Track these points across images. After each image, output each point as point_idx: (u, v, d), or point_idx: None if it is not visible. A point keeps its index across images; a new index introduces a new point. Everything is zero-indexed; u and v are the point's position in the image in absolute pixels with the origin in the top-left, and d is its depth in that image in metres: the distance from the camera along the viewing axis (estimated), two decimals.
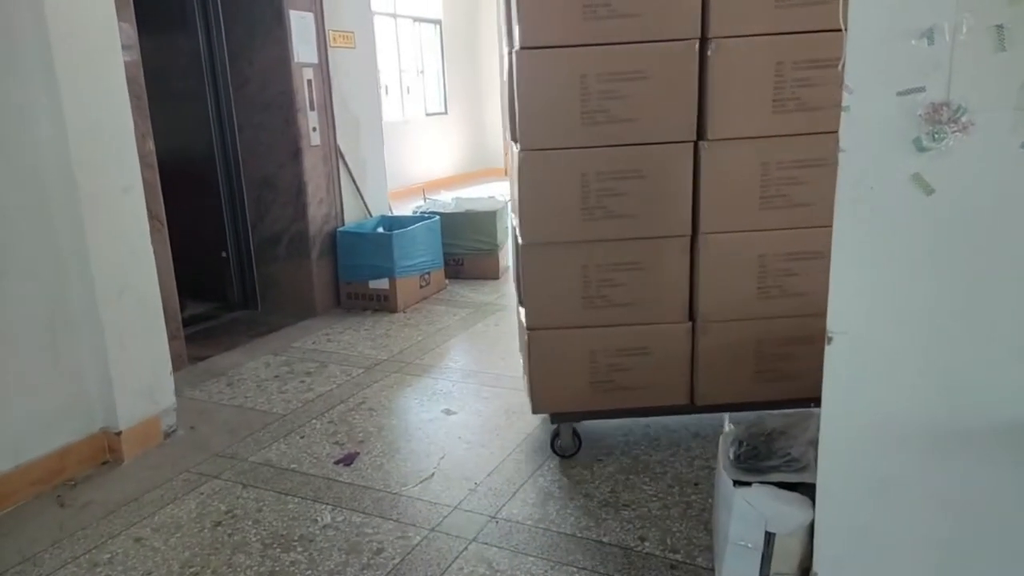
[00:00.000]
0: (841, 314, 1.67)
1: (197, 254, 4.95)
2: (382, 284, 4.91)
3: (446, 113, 11.15)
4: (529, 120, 2.60)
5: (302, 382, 3.83)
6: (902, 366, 1.66)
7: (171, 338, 4.00)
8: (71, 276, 2.88)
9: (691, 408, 2.85)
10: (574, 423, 2.93)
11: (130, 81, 3.71)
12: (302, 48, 4.69)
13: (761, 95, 2.53)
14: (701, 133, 2.59)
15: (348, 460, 2.99)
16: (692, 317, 2.75)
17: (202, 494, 2.79)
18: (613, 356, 2.78)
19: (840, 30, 2.31)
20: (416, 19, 10.46)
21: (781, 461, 2.00)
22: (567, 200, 2.63)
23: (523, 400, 3.39)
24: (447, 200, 5.87)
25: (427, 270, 5.18)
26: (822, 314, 2.48)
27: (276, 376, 3.93)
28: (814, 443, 1.97)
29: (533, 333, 2.76)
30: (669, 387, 2.81)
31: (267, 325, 4.78)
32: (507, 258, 5.99)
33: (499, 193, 8.94)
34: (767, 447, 2.05)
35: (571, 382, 2.79)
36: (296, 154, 4.80)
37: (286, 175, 4.86)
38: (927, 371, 1.66)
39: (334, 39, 4.99)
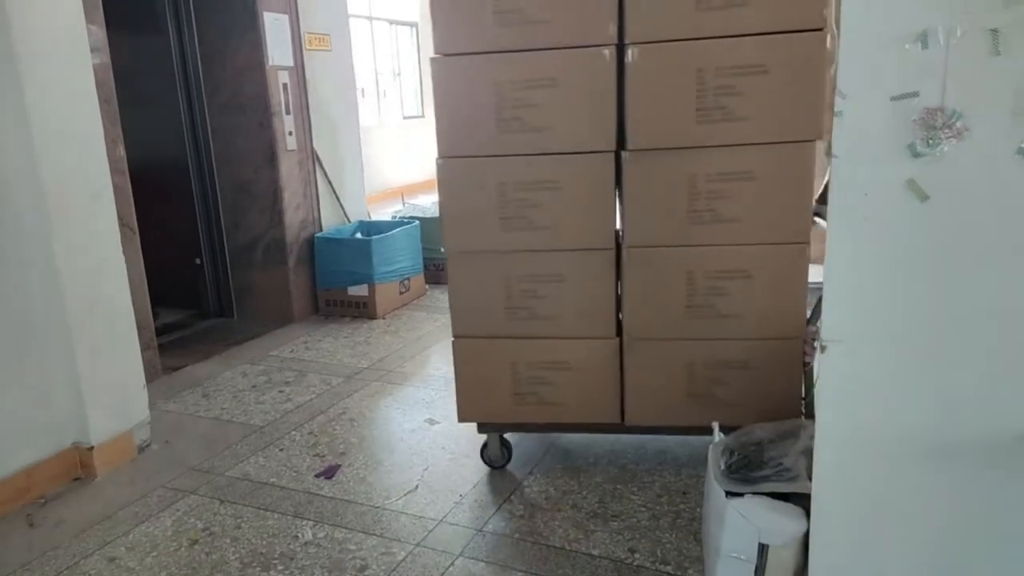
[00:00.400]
0: (835, 322, 1.64)
1: (171, 261, 4.84)
2: (361, 291, 4.84)
3: (423, 116, 11.07)
4: (446, 128, 2.57)
5: (280, 392, 3.75)
6: (897, 376, 1.64)
7: (144, 348, 3.90)
8: (39, 287, 2.78)
9: (621, 428, 2.74)
10: (501, 433, 2.89)
11: (99, 84, 3.61)
12: (277, 51, 4.60)
13: (684, 104, 2.41)
14: (623, 143, 2.49)
15: (329, 473, 2.92)
16: (620, 333, 2.65)
17: (178, 511, 2.70)
18: (536, 369, 2.72)
19: (760, 34, 2.34)
20: (392, 22, 10.38)
21: (773, 471, 1.97)
22: (486, 209, 2.59)
23: None
24: (426, 204, 5.80)
25: (407, 276, 5.11)
26: (756, 338, 2.55)
27: (253, 386, 3.84)
28: (807, 453, 1.94)
29: (457, 341, 2.75)
30: (596, 404, 2.72)
31: (243, 333, 4.68)
32: None
33: None
34: (758, 457, 2.02)
35: (494, 392, 2.76)
36: (272, 159, 4.71)
37: (262, 180, 4.77)
38: (923, 382, 1.63)
39: (310, 42, 4.91)
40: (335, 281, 4.91)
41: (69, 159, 2.80)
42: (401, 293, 5.07)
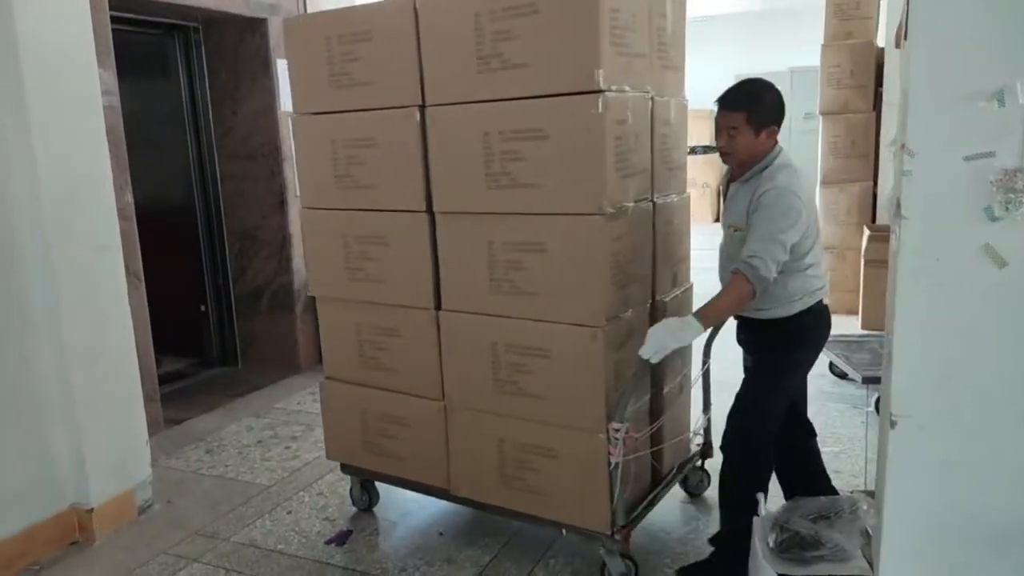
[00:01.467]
0: (905, 396, 1.52)
1: (175, 308, 4.71)
2: None
3: None
4: (303, 181, 2.80)
5: (287, 448, 3.60)
6: (973, 454, 1.52)
7: (147, 400, 3.74)
8: (40, 342, 2.66)
9: (449, 496, 2.64)
10: (361, 478, 2.93)
11: (109, 130, 3.53)
12: (289, 97, 4.53)
13: (474, 167, 2.33)
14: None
15: (341, 539, 2.76)
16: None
17: None
18: (380, 420, 2.75)
19: (537, 97, 2.22)
20: None
21: (828, 551, 1.83)
22: (335, 258, 2.70)
23: None
24: None
25: None
26: (559, 424, 2.34)
27: (259, 441, 3.69)
28: (866, 533, 1.81)
29: (325, 381, 2.90)
30: (428, 467, 2.66)
31: (248, 384, 4.54)
32: None
33: None
34: (810, 534, 1.88)
35: (350, 436, 2.84)
36: (281, 205, 4.62)
37: (270, 227, 4.68)
38: (1000, 460, 1.51)
39: None
40: None
41: (76, 210, 2.71)
42: None
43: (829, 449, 3.33)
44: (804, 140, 11.89)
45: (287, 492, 3.15)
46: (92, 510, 2.79)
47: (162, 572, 2.60)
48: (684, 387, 2.80)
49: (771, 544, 1.90)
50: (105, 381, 2.83)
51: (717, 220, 10.87)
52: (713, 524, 2.71)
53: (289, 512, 2.98)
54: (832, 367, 4.22)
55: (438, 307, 2.53)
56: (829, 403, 3.87)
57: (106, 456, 2.84)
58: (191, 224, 4.79)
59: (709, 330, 2.44)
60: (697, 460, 2.92)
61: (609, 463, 2.21)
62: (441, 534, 2.76)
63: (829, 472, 3.11)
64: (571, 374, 2.30)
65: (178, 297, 4.83)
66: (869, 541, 1.84)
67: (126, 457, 2.94)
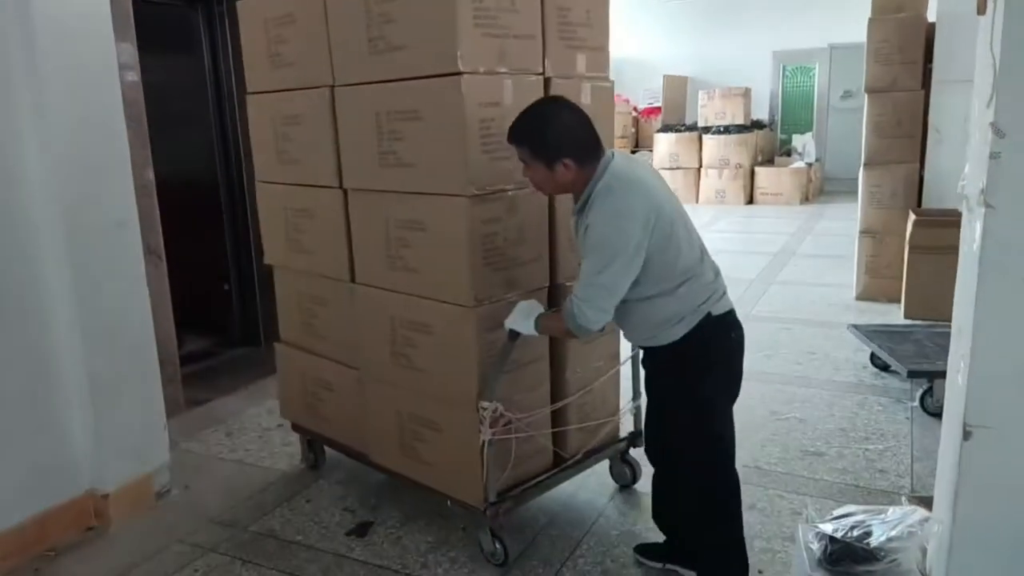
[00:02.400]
0: (983, 404, 1.37)
1: (197, 285, 4.65)
2: None
3: None
4: (255, 153, 3.02)
5: None
6: None
7: (167, 381, 3.70)
8: (56, 322, 2.58)
9: (368, 461, 2.77)
10: (307, 438, 3.13)
11: (129, 104, 3.44)
12: None
13: (370, 146, 2.43)
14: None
15: (361, 530, 2.67)
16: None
17: (196, 571, 2.47)
18: (314, 383, 2.96)
19: (412, 79, 2.21)
20: None
21: (883, 565, 1.69)
22: (279, 230, 2.95)
23: None
24: None
25: None
26: (441, 399, 2.43)
27: (279, 425, 3.60)
28: (924, 549, 1.66)
29: (278, 344, 3.16)
30: (350, 431, 2.83)
31: (270, 364, 4.39)
32: None
33: None
34: (863, 546, 1.74)
35: (295, 397, 3.09)
36: None
37: None
38: None
39: None
40: None
41: (92, 185, 2.62)
42: None
43: (873, 447, 3.17)
44: (841, 120, 11.60)
45: (307, 479, 3.07)
46: (108, 495, 2.72)
47: (178, 562, 2.53)
48: (603, 373, 2.69)
49: (819, 555, 1.76)
50: (122, 362, 2.76)
51: (751, 202, 10.63)
52: (636, 520, 2.66)
53: (308, 501, 2.90)
54: (874, 358, 4.04)
55: (353, 279, 2.66)
56: (871, 396, 3.70)
57: (123, 440, 2.78)
58: (214, 200, 4.71)
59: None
60: (621, 448, 2.81)
61: (480, 440, 2.25)
62: (464, 529, 2.65)
63: (872, 470, 2.98)
64: (449, 351, 2.38)
65: (202, 275, 4.76)
66: (925, 556, 1.69)
67: (143, 441, 2.87)
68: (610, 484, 2.89)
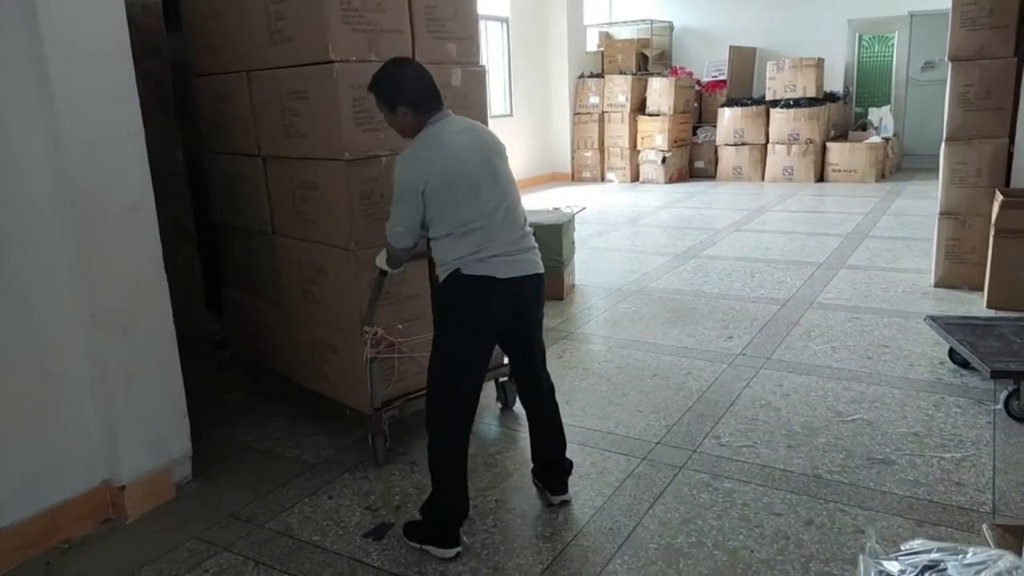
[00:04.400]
0: None
1: None
2: None
3: (511, 115, 10.67)
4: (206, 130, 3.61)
5: (339, 422, 3.37)
6: None
7: (198, 365, 3.64)
8: (66, 310, 2.48)
9: (291, 382, 3.42)
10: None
11: (157, 82, 3.35)
12: None
13: (276, 121, 3.02)
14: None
15: (379, 532, 2.52)
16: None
17: (206, 572, 2.36)
18: (255, 323, 3.61)
19: (301, 65, 2.80)
20: (483, 17, 10.01)
21: None
22: (220, 194, 3.66)
23: (597, 459, 2.86)
24: None
25: None
26: (335, 327, 3.01)
27: (311, 412, 3.49)
28: None
29: (225, 289, 3.84)
30: (277, 358, 3.47)
31: None
32: (574, 276, 5.46)
33: (565, 202, 8.40)
34: None
35: (243, 333, 3.79)
36: None
37: None
38: None
39: None
40: None
41: (103, 167, 2.50)
42: None
43: (949, 455, 2.84)
44: (921, 92, 10.86)
45: (331, 473, 2.93)
46: (124, 487, 2.64)
47: (190, 560, 2.42)
48: None
49: None
50: (138, 352, 2.66)
51: (821, 180, 10.07)
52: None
53: (330, 497, 2.76)
54: (953, 354, 3.66)
55: (273, 232, 3.26)
56: (949, 397, 3.35)
57: (140, 431, 2.68)
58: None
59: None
60: (504, 375, 3.33)
61: (364, 358, 2.83)
62: (488, 534, 2.47)
63: (948, 483, 2.68)
64: (339, 287, 2.95)
65: None
66: None
67: (162, 432, 2.77)
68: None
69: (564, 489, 2.62)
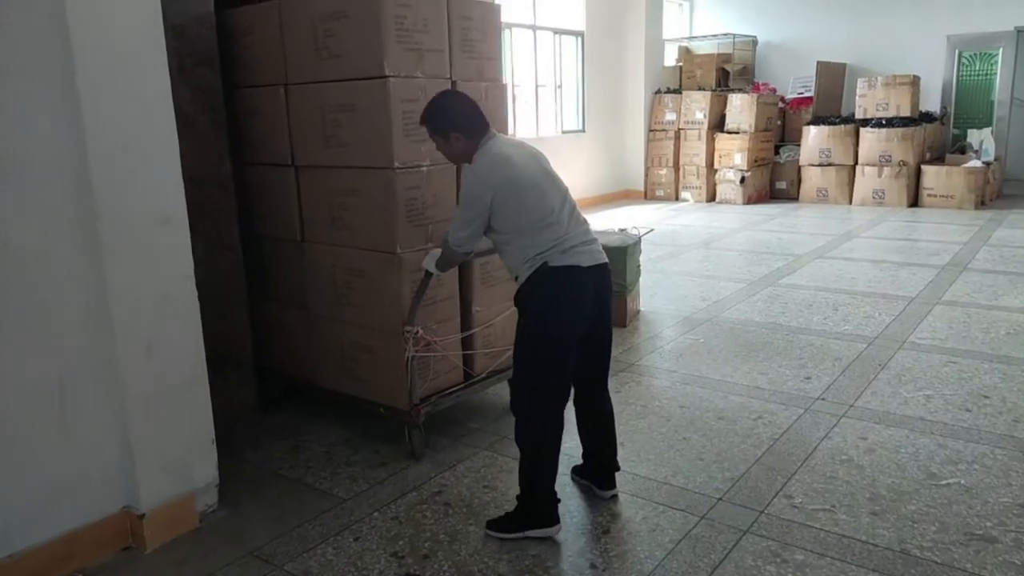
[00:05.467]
0: None
1: None
2: None
3: (583, 131, 10.42)
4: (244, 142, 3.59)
5: (376, 452, 3.19)
6: None
7: (240, 384, 3.53)
8: (87, 326, 2.36)
9: (314, 387, 3.47)
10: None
11: (205, 92, 3.26)
12: None
13: (316, 132, 3.13)
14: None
15: None
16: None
17: None
18: (279, 326, 3.61)
19: (348, 80, 2.96)
20: (556, 31, 9.82)
21: None
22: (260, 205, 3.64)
23: (650, 513, 2.57)
24: None
25: None
26: (373, 327, 3.12)
27: (347, 440, 3.31)
28: None
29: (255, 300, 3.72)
30: (299, 362, 3.50)
31: None
32: (638, 302, 5.15)
33: (633, 222, 8.09)
34: None
35: (264, 343, 3.73)
36: None
37: None
38: None
39: None
40: None
41: (132, 177, 2.38)
42: None
43: None
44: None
45: (360, 511, 2.73)
46: (143, 515, 2.50)
47: None
48: (503, 312, 3.36)
49: None
50: (162, 373, 2.52)
51: (915, 204, 9.42)
52: None
53: (356, 538, 2.56)
54: None
55: (303, 239, 3.33)
56: None
57: (162, 456, 2.55)
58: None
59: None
60: None
61: (405, 356, 2.97)
62: None
63: None
64: (379, 289, 3.06)
65: None
66: None
67: (187, 458, 2.63)
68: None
69: (614, 483, 2.76)
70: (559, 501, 2.55)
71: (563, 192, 2.52)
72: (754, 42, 11.59)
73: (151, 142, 2.42)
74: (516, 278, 2.52)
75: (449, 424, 3.43)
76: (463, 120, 2.49)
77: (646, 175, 11.05)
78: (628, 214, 9.63)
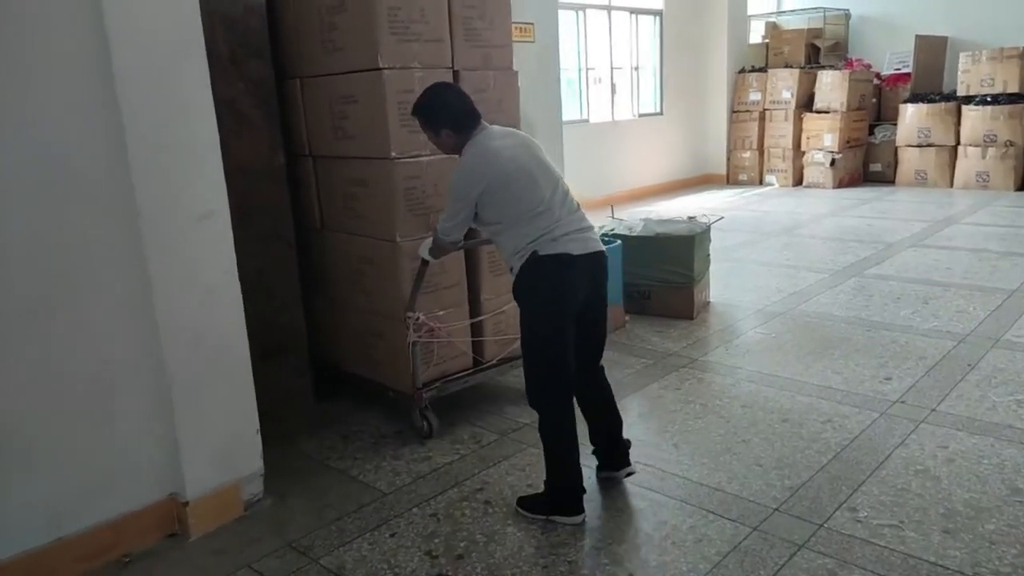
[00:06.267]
0: None
1: None
2: None
3: (661, 114, 10.09)
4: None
5: (421, 445, 3.16)
6: None
7: (298, 375, 3.56)
8: (131, 318, 2.41)
9: (341, 372, 3.60)
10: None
11: (259, 85, 3.28)
12: None
13: (325, 123, 3.22)
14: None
15: None
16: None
17: None
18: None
19: (350, 72, 3.06)
20: (633, 11, 9.52)
21: None
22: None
23: (697, 522, 2.44)
24: (635, 221, 4.93)
25: None
26: (383, 314, 3.22)
27: (397, 432, 3.30)
28: None
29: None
30: (327, 347, 3.62)
31: None
32: (708, 292, 4.94)
33: (709, 209, 7.79)
34: None
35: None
36: None
37: None
38: None
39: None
40: None
41: (172, 172, 2.40)
42: None
43: None
44: None
45: (400, 505, 2.70)
46: (187, 503, 2.55)
47: None
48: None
49: None
50: (206, 364, 2.55)
51: (1022, 188, 8.69)
52: None
53: (393, 534, 2.53)
54: None
55: (323, 227, 3.46)
56: None
57: (206, 447, 2.58)
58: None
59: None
60: None
61: (407, 341, 3.06)
62: None
63: None
64: (384, 276, 3.16)
65: None
66: None
67: (231, 448, 2.66)
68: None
69: (628, 461, 2.74)
70: (584, 492, 2.55)
71: (555, 180, 2.52)
72: (847, 16, 10.93)
73: (191, 137, 2.44)
74: (511, 270, 2.53)
75: (497, 418, 3.36)
76: (452, 114, 2.52)
77: (728, 158, 10.64)
78: (706, 200, 9.29)
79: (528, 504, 2.60)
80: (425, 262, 2.90)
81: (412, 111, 2.62)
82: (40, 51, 2.16)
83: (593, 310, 2.57)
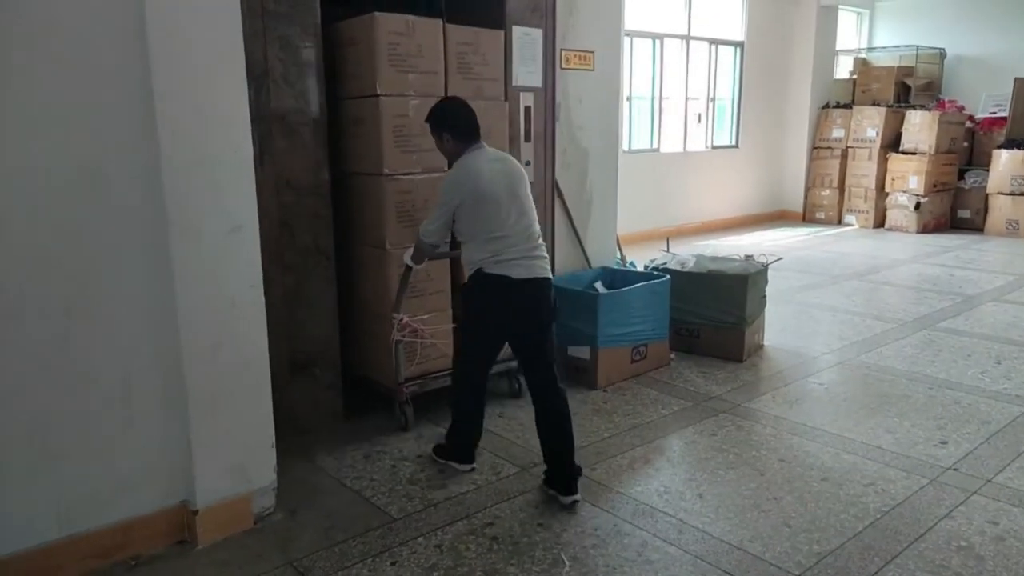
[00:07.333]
0: None
1: None
2: (582, 352, 4.04)
3: (737, 147, 9.85)
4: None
5: (440, 472, 3.11)
6: None
7: (326, 388, 3.58)
8: (154, 326, 2.46)
9: (356, 374, 3.78)
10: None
11: (308, 102, 3.34)
12: (523, 69, 4.00)
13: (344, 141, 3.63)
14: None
15: None
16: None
17: None
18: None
19: (357, 97, 3.45)
20: (713, 41, 9.36)
21: None
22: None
23: None
24: (687, 256, 4.78)
25: (643, 341, 4.19)
26: (376, 314, 3.53)
27: (418, 457, 3.26)
28: None
29: None
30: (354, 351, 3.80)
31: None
32: (760, 335, 4.73)
33: (782, 247, 7.52)
34: None
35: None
36: None
37: None
38: None
39: (567, 60, 4.25)
40: (556, 335, 4.16)
41: (205, 185, 2.45)
42: (634, 361, 4.16)
43: None
44: None
45: (407, 533, 2.66)
46: (197, 511, 2.57)
47: None
48: None
49: None
50: (226, 375, 2.58)
51: None
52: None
53: (394, 563, 2.48)
54: None
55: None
56: None
57: (220, 455, 2.61)
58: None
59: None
60: (511, 366, 3.76)
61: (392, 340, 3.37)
62: None
63: None
64: (376, 279, 3.49)
65: None
66: None
67: (245, 460, 2.68)
68: None
69: (575, 489, 2.83)
70: (474, 447, 3.12)
71: (521, 211, 2.82)
72: (942, 55, 10.45)
73: (225, 152, 2.48)
74: (468, 276, 2.89)
75: (520, 450, 3.29)
76: (455, 124, 2.86)
77: (806, 196, 10.30)
78: (778, 237, 8.99)
79: (437, 450, 3.19)
80: (409, 268, 3.18)
81: (426, 117, 2.95)
82: (83, 64, 2.24)
83: (535, 331, 2.86)
